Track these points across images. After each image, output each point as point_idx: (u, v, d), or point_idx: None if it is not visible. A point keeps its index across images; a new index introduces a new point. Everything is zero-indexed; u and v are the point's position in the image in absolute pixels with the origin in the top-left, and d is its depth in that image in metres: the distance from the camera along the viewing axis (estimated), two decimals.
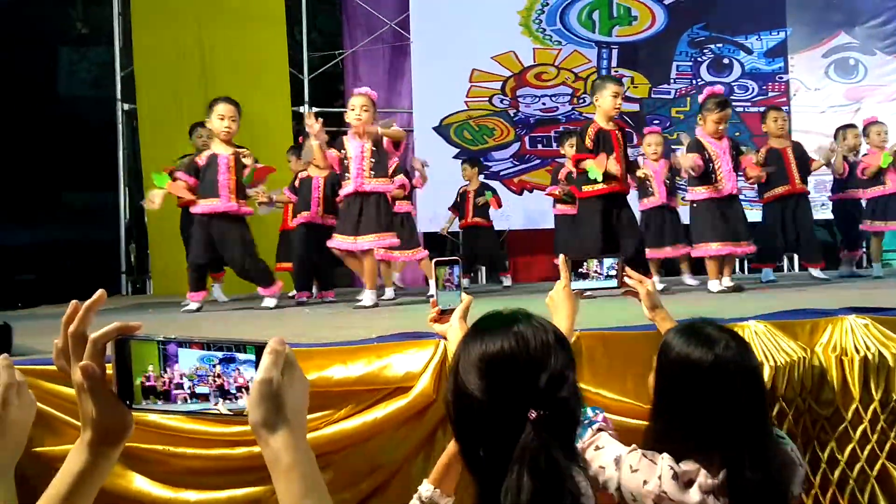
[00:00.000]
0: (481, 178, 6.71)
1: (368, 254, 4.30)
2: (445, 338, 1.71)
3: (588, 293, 1.89)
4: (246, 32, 7.06)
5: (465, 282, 5.00)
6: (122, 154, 7.20)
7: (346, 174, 4.34)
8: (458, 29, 7.37)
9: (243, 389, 0.87)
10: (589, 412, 1.56)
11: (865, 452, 2.19)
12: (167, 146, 6.09)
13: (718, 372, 1.40)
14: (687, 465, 1.39)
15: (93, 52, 8.81)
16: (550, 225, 7.37)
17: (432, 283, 1.61)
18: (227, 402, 0.88)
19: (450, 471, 1.32)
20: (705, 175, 4.56)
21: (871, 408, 2.20)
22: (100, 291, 0.96)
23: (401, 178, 5.10)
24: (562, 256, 1.83)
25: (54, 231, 7.85)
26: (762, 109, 6.14)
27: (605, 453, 1.47)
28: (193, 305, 4.28)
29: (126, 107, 7.22)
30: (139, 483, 1.97)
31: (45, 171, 7.79)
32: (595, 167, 4.25)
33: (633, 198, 5.61)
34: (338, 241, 4.30)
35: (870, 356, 2.27)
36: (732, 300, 3.85)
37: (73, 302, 0.94)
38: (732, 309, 2.88)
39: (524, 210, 7.29)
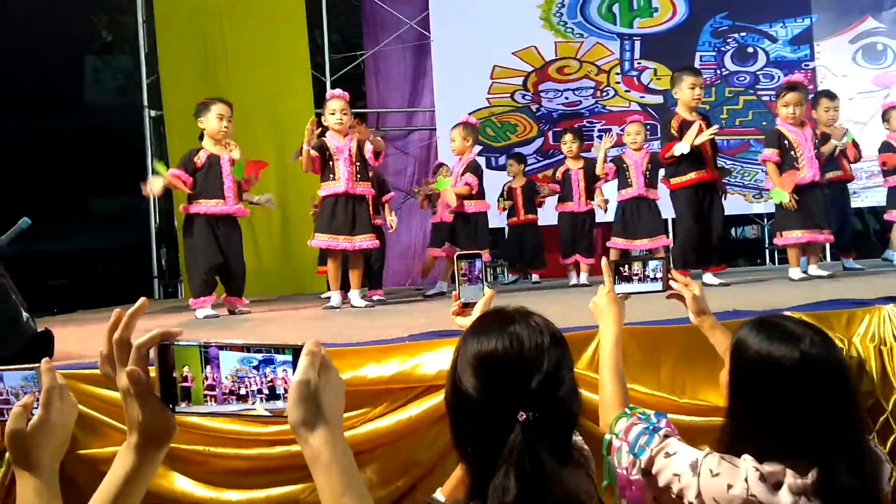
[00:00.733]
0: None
1: (359, 255, 4.42)
2: None
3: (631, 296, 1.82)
4: (268, 36, 7.12)
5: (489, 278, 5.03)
6: (151, 160, 7.30)
7: (331, 175, 4.40)
8: (478, 25, 7.36)
9: (282, 390, 0.90)
10: (652, 418, 1.49)
11: None
12: None
13: (805, 370, 1.31)
14: (771, 467, 1.30)
15: (118, 60, 8.95)
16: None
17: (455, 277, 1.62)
18: (268, 402, 0.91)
19: (463, 484, 1.33)
20: (788, 162, 4.53)
21: None
22: (142, 300, 1.00)
23: (468, 176, 5.11)
24: (604, 260, 1.79)
25: (85, 237, 8.00)
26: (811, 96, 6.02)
27: (679, 459, 1.39)
28: (208, 311, 4.15)
29: (153, 113, 7.32)
30: (181, 483, 2.01)
31: (74, 178, 7.93)
32: (684, 144, 4.34)
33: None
34: (330, 240, 4.33)
35: None
36: (765, 291, 3.81)
37: (117, 310, 0.97)
38: (766, 300, 2.86)
39: (549, 205, 7.24)
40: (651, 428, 1.46)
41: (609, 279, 1.74)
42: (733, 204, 7.68)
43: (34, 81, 8.15)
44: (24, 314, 2.38)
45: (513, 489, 0.97)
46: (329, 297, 4.46)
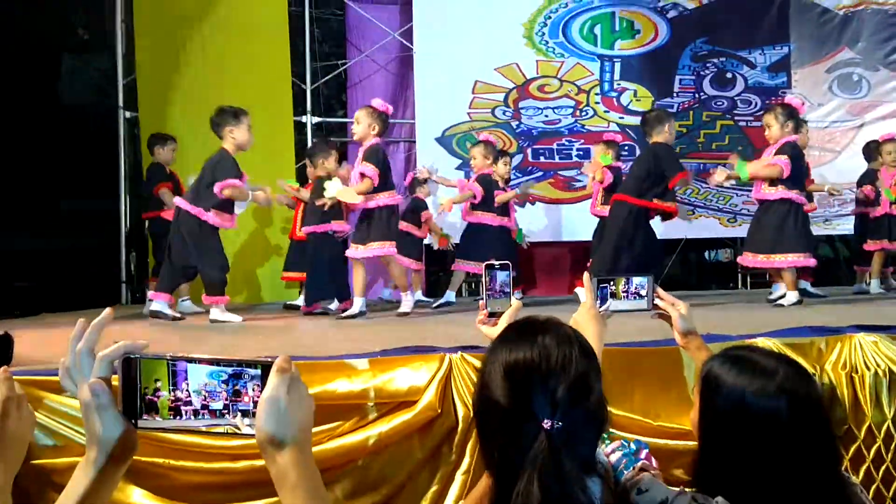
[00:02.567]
0: None
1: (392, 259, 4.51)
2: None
3: (614, 313, 1.77)
4: (249, 41, 7.04)
5: (452, 295, 5.03)
6: (124, 162, 7.18)
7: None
8: (462, 40, 7.37)
9: (251, 406, 0.88)
10: (632, 446, 1.46)
11: (881, 473, 2.16)
12: None
13: (781, 408, 1.26)
14: None
15: (95, 60, 8.82)
16: (552, 238, 7.39)
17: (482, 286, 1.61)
18: (236, 418, 0.89)
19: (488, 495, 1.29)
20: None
21: (885, 426, 2.18)
22: (108, 310, 0.98)
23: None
24: (586, 275, 1.74)
25: (53, 238, 7.83)
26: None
27: (650, 497, 1.34)
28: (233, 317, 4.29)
29: (128, 114, 7.21)
30: (139, 498, 1.94)
31: (45, 177, 7.78)
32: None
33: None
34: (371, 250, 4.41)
35: (880, 373, 2.25)
36: (739, 315, 3.83)
37: (81, 320, 0.95)
38: (741, 324, 2.86)
39: (527, 223, 7.23)
40: (631, 455, 1.43)
41: (590, 295, 1.67)
42: (708, 227, 7.78)
43: (7, 78, 8.00)
44: None
45: (536, 495, 0.99)
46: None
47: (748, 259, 4.64)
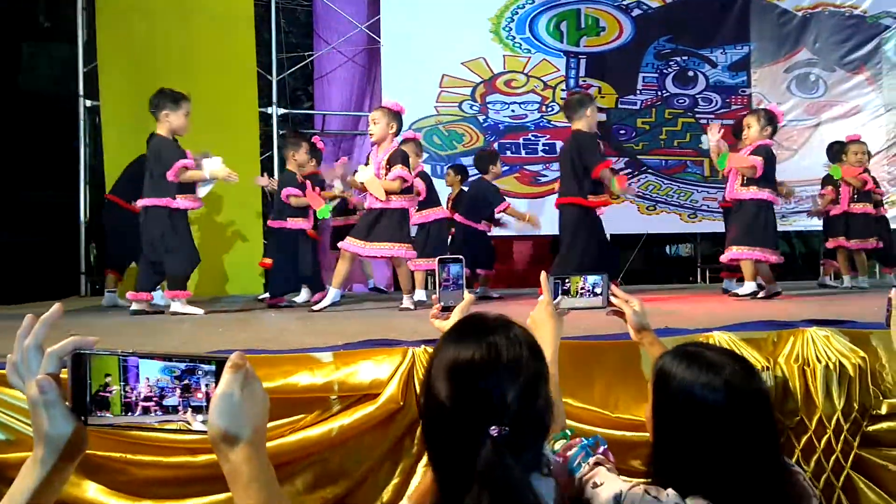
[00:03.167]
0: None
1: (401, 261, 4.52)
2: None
3: (570, 310, 1.79)
4: (214, 31, 6.94)
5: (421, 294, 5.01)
6: (84, 151, 7.03)
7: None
8: (430, 34, 7.36)
9: (205, 403, 0.87)
10: (585, 443, 1.47)
11: (831, 463, 2.23)
12: (130, 144, 5.95)
13: (728, 402, 1.31)
14: (694, 501, 1.30)
15: (55, 48, 8.61)
16: (518, 232, 7.41)
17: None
18: (189, 414, 0.88)
19: (428, 495, 1.30)
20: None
21: (835, 417, 2.24)
22: (56, 305, 0.96)
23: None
24: (543, 274, 1.75)
25: (11, 230, 7.64)
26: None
27: (605, 490, 1.37)
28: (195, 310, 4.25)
29: (88, 103, 7.06)
30: (94, 493, 1.91)
31: (3, 168, 7.58)
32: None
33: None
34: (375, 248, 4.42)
35: (831, 366, 2.31)
36: (699, 310, 3.90)
37: (29, 316, 0.93)
38: (697, 318, 2.92)
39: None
40: (588, 449, 1.45)
41: (547, 293, 1.70)
42: (668, 223, 7.90)
43: None
44: None
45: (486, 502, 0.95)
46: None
47: (725, 255, 4.74)
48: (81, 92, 7.03)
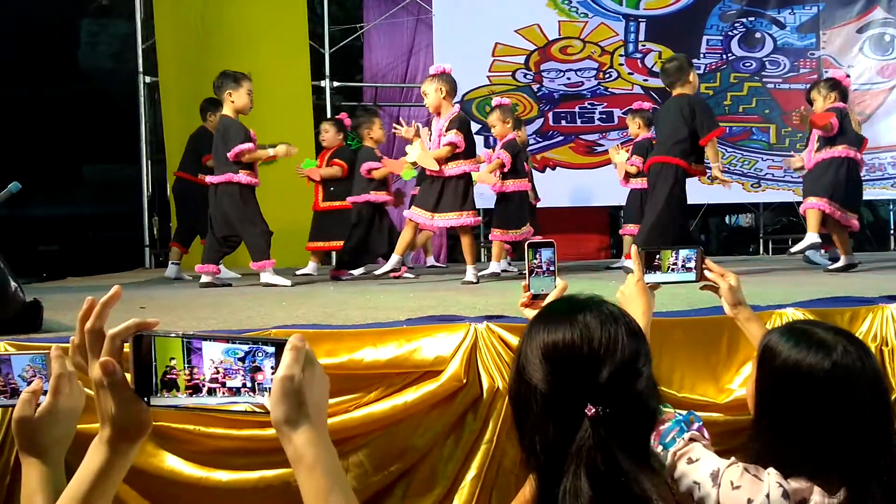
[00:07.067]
0: None
1: (467, 230, 4.49)
2: None
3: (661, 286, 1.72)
4: (266, 5, 6.99)
5: (497, 266, 4.95)
6: (145, 127, 7.19)
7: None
8: (482, 1, 7.25)
9: (267, 384, 0.87)
10: (680, 417, 1.43)
11: None
12: (189, 119, 6.06)
13: (837, 381, 1.26)
14: (798, 483, 1.26)
15: (114, 25, 8.79)
16: (572, 203, 7.31)
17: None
18: (252, 396, 0.89)
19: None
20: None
21: None
22: (116, 288, 0.96)
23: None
24: (634, 248, 1.69)
25: (77, 203, 7.91)
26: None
27: (701, 467, 1.33)
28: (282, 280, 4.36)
29: (148, 79, 7.20)
30: (171, 462, 1.97)
31: (67, 144, 7.83)
32: None
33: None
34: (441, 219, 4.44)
35: None
36: (769, 285, 3.78)
37: (89, 298, 0.94)
38: (770, 295, 2.82)
39: (550, 188, 7.14)
40: (677, 429, 1.40)
41: (639, 268, 1.64)
42: (729, 193, 7.65)
43: (29, 44, 8.00)
44: (13, 283, 2.33)
45: (585, 491, 0.92)
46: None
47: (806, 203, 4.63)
48: (140, 68, 7.17)
